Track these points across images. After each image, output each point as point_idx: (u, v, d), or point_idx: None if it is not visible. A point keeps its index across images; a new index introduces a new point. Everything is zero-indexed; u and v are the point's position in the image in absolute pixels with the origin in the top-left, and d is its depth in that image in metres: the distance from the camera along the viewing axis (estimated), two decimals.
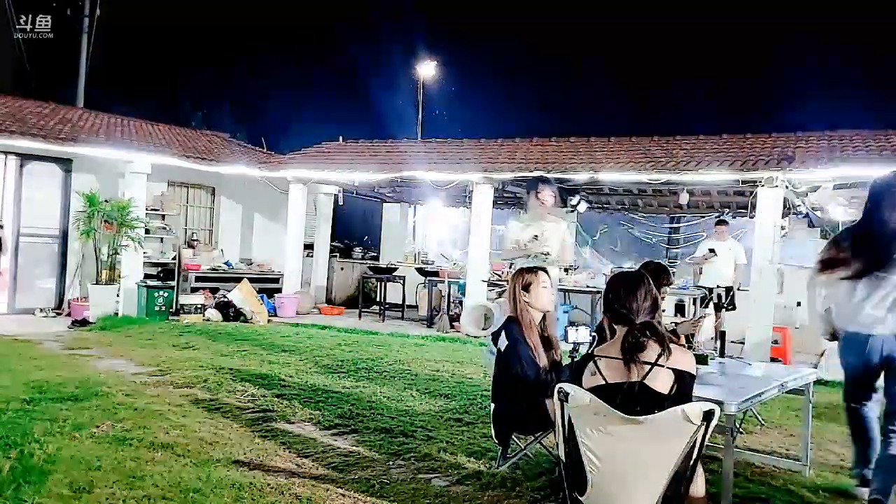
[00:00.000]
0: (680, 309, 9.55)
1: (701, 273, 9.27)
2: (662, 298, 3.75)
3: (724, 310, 8.46)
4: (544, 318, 3.73)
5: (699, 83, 30.47)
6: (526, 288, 3.66)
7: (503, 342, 3.58)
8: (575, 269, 10.39)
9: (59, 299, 10.09)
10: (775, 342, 8.21)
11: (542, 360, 3.57)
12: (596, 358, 2.64)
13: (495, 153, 11.05)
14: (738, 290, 8.83)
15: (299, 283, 11.66)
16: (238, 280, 10.50)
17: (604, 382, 2.56)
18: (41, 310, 9.74)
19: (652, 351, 2.54)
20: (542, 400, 3.31)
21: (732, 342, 7.91)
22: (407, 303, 11.67)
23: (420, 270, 11.97)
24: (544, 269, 3.80)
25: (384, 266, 12.91)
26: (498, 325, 3.78)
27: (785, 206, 9.30)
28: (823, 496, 3.60)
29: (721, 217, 10.10)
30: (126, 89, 22.63)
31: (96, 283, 9.64)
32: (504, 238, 5.64)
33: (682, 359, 2.55)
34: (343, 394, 5.48)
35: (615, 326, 2.73)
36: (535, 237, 5.46)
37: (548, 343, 3.68)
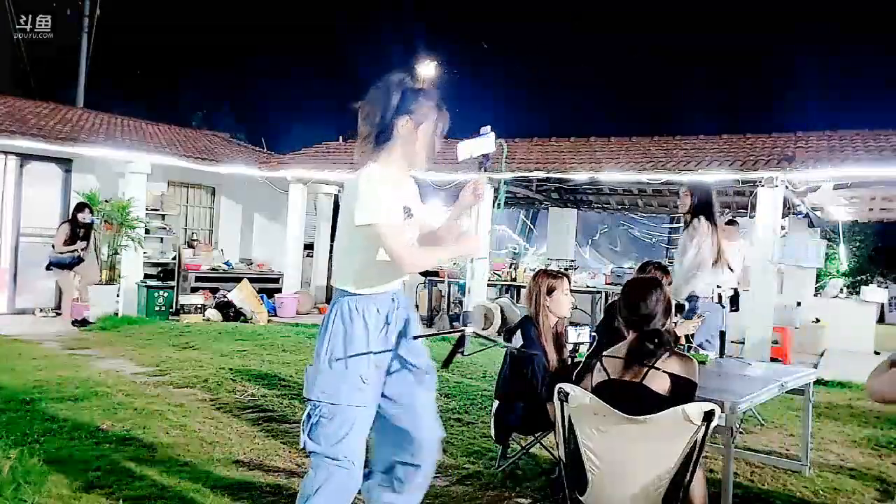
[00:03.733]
0: (679, 309, 9.53)
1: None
2: None
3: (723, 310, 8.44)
4: (559, 320, 3.72)
5: (699, 83, 30.48)
6: (549, 292, 3.62)
7: (518, 341, 3.57)
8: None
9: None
10: (775, 342, 8.22)
11: (553, 364, 3.57)
12: (603, 358, 2.67)
13: (495, 153, 11.03)
14: (743, 291, 8.76)
15: (299, 283, 11.66)
16: (238, 280, 10.49)
17: (607, 378, 2.60)
18: (41, 310, 9.74)
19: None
20: (545, 403, 3.31)
21: (732, 342, 7.91)
22: None
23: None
24: (566, 275, 3.77)
25: None
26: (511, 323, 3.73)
27: (785, 206, 9.30)
28: (823, 496, 3.60)
29: (732, 217, 10.01)
30: (126, 89, 22.65)
31: (95, 283, 9.64)
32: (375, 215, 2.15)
33: (683, 367, 2.56)
34: None
35: (625, 330, 2.74)
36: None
37: (559, 346, 3.68)
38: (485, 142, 2.55)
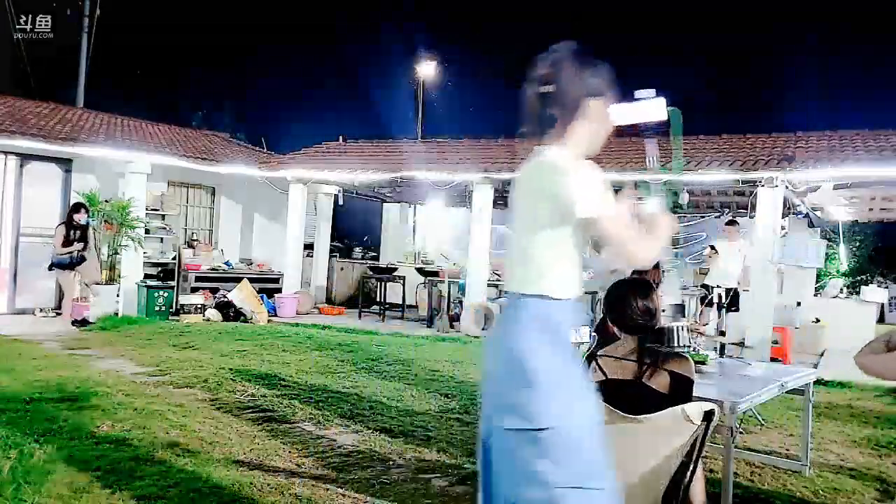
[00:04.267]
0: (680, 309, 9.53)
1: (705, 273, 9.23)
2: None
3: (723, 310, 8.44)
4: None
5: (699, 83, 30.48)
6: None
7: None
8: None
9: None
10: (775, 342, 8.22)
11: None
12: (598, 357, 2.67)
13: (495, 153, 11.05)
14: (743, 291, 8.76)
15: (299, 283, 11.66)
16: (238, 280, 10.49)
17: (604, 378, 2.60)
18: (41, 310, 9.74)
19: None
20: None
21: (732, 342, 7.92)
22: (407, 303, 11.67)
23: (420, 270, 11.97)
24: None
25: (384, 266, 12.92)
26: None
27: (785, 206, 9.30)
28: (823, 496, 3.60)
29: (732, 218, 10.00)
30: (126, 89, 22.67)
31: (96, 283, 9.64)
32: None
33: (681, 364, 2.57)
34: (343, 394, 5.48)
35: (617, 330, 2.73)
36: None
37: None
38: (651, 106, 2.14)
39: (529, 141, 1.98)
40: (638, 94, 2.13)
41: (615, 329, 2.75)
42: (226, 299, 10.03)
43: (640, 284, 2.81)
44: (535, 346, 1.84)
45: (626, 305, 2.69)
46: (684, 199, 9.63)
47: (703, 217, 12.63)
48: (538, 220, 1.88)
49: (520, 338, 1.86)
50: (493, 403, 1.91)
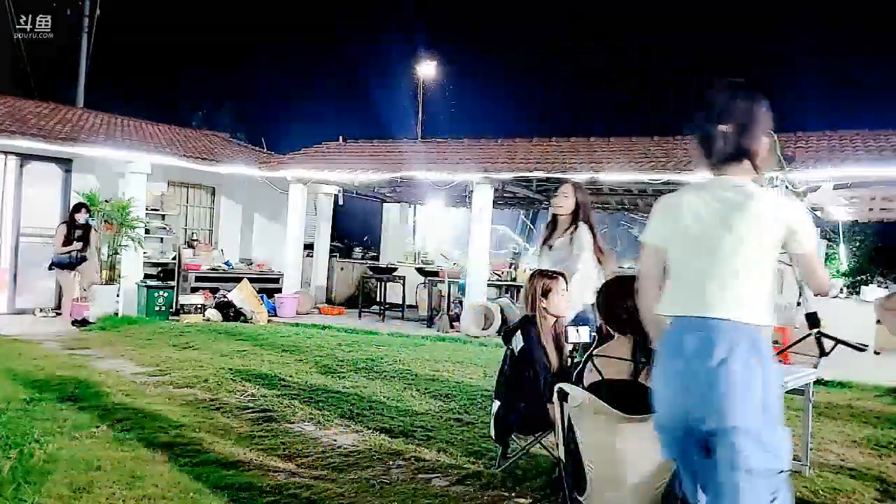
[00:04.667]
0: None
1: None
2: None
3: None
4: (557, 320, 3.73)
5: (699, 83, 30.47)
6: (545, 294, 3.65)
7: (518, 342, 3.58)
8: None
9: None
10: (775, 342, 8.21)
11: (553, 364, 3.58)
12: (594, 357, 2.67)
13: (495, 153, 11.05)
14: None
15: (299, 283, 11.67)
16: (238, 280, 10.49)
17: (601, 378, 2.60)
18: (41, 310, 9.75)
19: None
20: (547, 403, 3.31)
21: None
22: (407, 303, 11.67)
23: (420, 270, 11.98)
24: (562, 275, 3.76)
25: (384, 266, 12.92)
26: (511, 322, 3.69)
27: None
28: (823, 496, 3.60)
29: None
30: (126, 89, 22.67)
31: (94, 284, 9.64)
32: None
33: None
34: (343, 394, 5.48)
35: (612, 329, 2.74)
36: None
37: (558, 346, 3.69)
38: None
39: (708, 167, 2.14)
40: None
41: (608, 329, 2.76)
42: (226, 299, 10.04)
43: (627, 282, 2.81)
44: (774, 384, 1.92)
45: (614, 304, 2.69)
46: None
47: None
48: (762, 251, 1.98)
49: (766, 373, 1.91)
50: (724, 431, 1.89)
